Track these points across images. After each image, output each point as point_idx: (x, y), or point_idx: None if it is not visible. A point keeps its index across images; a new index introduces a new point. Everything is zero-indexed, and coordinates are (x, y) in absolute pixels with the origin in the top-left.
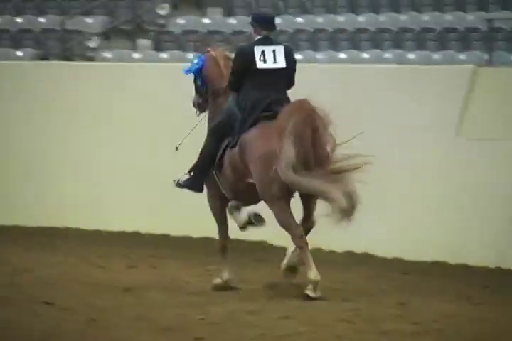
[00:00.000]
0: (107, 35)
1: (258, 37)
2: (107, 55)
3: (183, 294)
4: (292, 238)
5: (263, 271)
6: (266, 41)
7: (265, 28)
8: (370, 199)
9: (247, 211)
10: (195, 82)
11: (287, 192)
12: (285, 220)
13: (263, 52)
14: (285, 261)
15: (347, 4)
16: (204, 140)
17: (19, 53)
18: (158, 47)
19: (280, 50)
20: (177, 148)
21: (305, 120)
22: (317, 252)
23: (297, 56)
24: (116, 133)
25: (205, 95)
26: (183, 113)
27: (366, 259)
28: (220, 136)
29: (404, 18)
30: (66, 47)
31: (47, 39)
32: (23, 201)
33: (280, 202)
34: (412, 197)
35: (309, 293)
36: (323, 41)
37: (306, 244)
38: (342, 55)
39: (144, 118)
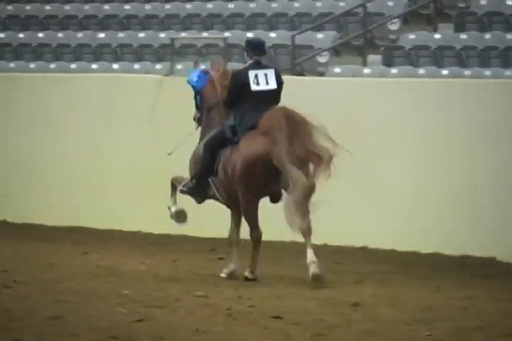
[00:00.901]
0: (337, 51)
1: (250, 61)
2: (337, 70)
3: (411, 309)
4: (251, 232)
5: (490, 287)
6: (258, 65)
7: (256, 53)
8: None
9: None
10: (195, 98)
11: (259, 192)
12: (250, 215)
13: (256, 76)
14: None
15: None
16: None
17: None
18: (388, 62)
19: (271, 73)
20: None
21: (281, 118)
22: None
23: None
24: None
25: (202, 110)
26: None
27: None
28: (215, 148)
29: None
30: (296, 62)
31: (276, 55)
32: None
33: (250, 198)
34: None
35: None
36: None
37: (259, 242)
38: None
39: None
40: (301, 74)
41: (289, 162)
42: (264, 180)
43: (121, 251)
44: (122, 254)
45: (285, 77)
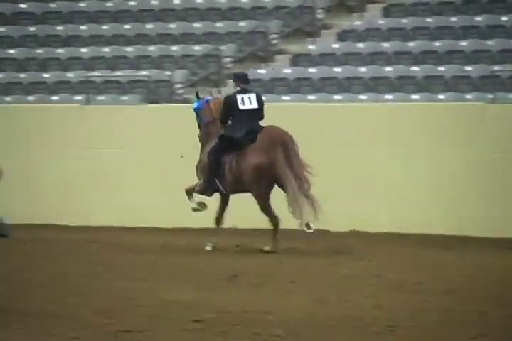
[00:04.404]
0: None
1: (238, 88)
2: None
3: None
4: (270, 221)
5: None
6: (244, 91)
7: (242, 82)
8: None
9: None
10: (196, 119)
11: (269, 191)
12: (266, 209)
13: (242, 98)
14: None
15: None
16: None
17: None
18: None
19: (253, 96)
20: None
21: (277, 139)
22: None
23: None
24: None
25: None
26: None
27: None
28: (218, 155)
29: None
30: None
31: None
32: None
33: (263, 197)
34: None
35: (265, 248)
36: None
37: (277, 226)
38: None
39: None
40: None
41: (286, 171)
42: (271, 181)
43: None
44: None
45: None
